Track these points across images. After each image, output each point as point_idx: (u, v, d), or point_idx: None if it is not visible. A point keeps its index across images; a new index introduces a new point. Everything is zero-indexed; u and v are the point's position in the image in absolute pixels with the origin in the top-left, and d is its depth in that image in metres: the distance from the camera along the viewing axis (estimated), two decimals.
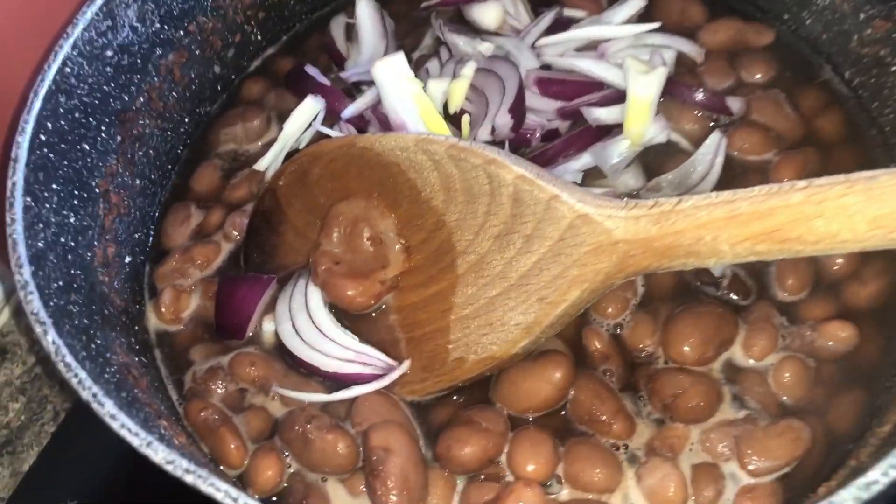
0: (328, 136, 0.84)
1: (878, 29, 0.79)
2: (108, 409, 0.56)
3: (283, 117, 0.89)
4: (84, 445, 0.95)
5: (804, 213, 0.56)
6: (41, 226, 0.69)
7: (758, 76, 0.87)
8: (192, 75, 0.90)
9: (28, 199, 0.68)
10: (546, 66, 0.88)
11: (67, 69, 0.74)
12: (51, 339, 0.59)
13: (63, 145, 0.74)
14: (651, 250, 0.63)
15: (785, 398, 0.70)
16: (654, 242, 0.62)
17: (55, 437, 0.97)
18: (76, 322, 0.66)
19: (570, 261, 0.66)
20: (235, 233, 0.84)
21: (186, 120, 0.91)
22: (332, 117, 0.88)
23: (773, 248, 0.58)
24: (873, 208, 0.54)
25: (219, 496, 0.51)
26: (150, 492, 0.86)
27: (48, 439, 0.97)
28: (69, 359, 0.58)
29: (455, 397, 0.74)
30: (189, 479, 0.52)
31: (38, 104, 0.71)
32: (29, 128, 0.70)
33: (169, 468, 0.53)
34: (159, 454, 0.54)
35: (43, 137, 0.71)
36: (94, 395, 0.57)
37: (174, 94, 0.88)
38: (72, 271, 0.71)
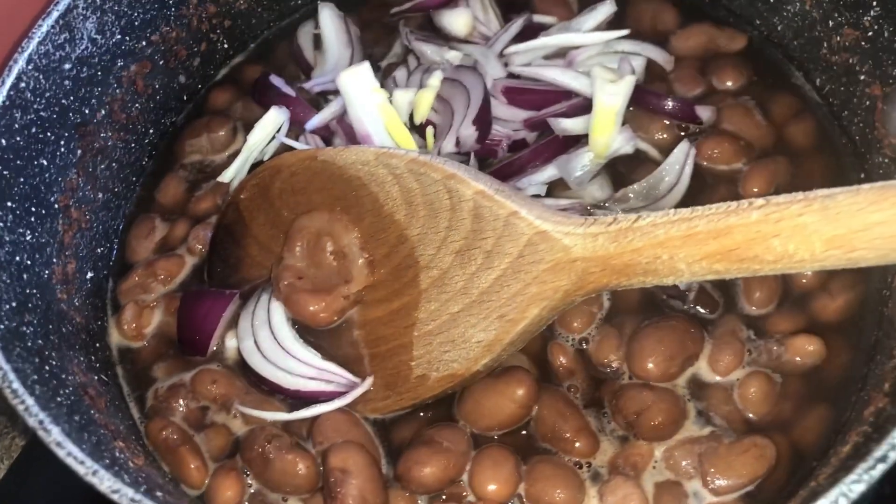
0: (292, 148, 0.83)
1: (847, 37, 0.77)
2: (55, 437, 0.55)
3: (249, 127, 0.88)
4: (56, 459, 0.94)
5: (761, 232, 0.55)
6: None
7: (729, 83, 0.86)
8: (157, 86, 0.89)
9: None
10: (513, 75, 0.87)
11: (23, 84, 0.73)
12: None
13: (18, 161, 0.73)
14: (609, 268, 0.62)
15: (751, 414, 0.69)
16: (612, 260, 0.61)
17: (26, 451, 0.96)
18: (29, 344, 0.65)
19: (530, 278, 0.65)
20: (199, 246, 0.82)
21: (151, 131, 0.90)
22: (297, 128, 0.86)
23: (730, 266, 0.57)
24: (829, 228, 0.53)
25: None
26: None
27: (19, 452, 0.96)
28: (16, 385, 0.58)
29: (420, 414, 0.73)
30: None
31: None
32: None
33: (115, 497, 0.52)
34: (104, 483, 0.53)
35: None
36: (41, 423, 0.56)
37: (137, 105, 0.87)
38: (27, 290, 0.70)
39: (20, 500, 0.93)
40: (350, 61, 0.91)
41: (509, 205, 0.65)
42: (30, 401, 0.57)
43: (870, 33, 0.75)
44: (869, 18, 0.74)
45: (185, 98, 0.93)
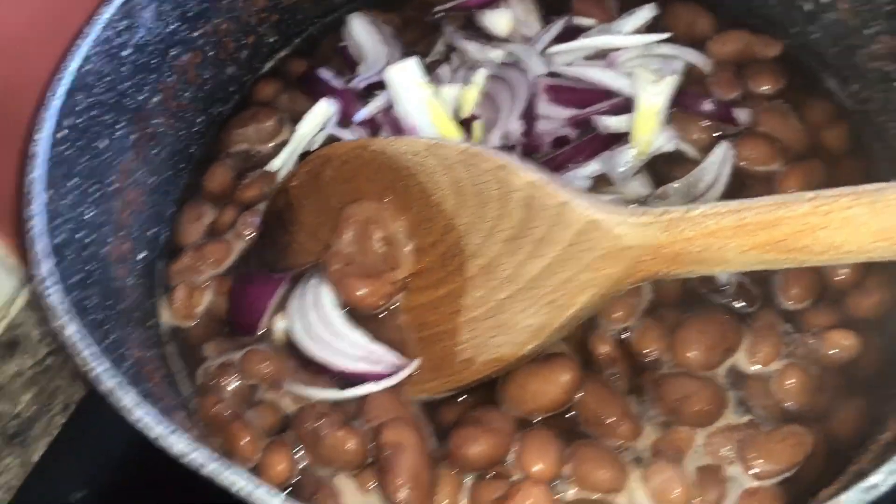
0: (340, 139, 0.86)
1: (884, 45, 0.80)
2: (126, 403, 0.57)
3: (295, 119, 0.90)
4: (94, 436, 0.96)
5: (810, 223, 0.58)
6: (59, 221, 0.70)
7: (765, 87, 0.88)
8: (206, 76, 0.91)
9: (49, 193, 0.69)
10: (555, 74, 0.89)
11: (86, 67, 0.75)
12: (69, 333, 0.60)
13: (80, 142, 0.75)
14: (660, 257, 0.64)
15: (788, 404, 0.72)
16: (664, 249, 0.63)
17: (65, 428, 0.98)
18: (93, 317, 0.67)
19: (581, 265, 0.67)
20: (247, 232, 0.85)
21: (200, 120, 0.92)
22: (344, 120, 0.89)
23: (779, 257, 0.59)
24: (878, 220, 0.56)
25: (235, 489, 0.52)
26: (159, 482, 0.87)
27: (58, 430, 0.98)
28: (87, 353, 0.60)
29: (463, 398, 0.75)
30: (206, 471, 0.53)
31: (56, 101, 0.72)
32: (47, 125, 0.71)
33: (185, 461, 0.54)
34: (176, 447, 0.55)
35: (61, 134, 0.72)
36: (112, 390, 0.58)
37: (188, 93, 0.89)
38: (88, 266, 0.72)
39: (60, 476, 0.95)
40: (388, 59, 0.93)
41: (561, 194, 0.68)
42: (101, 368, 0.59)
43: None
44: None
45: (231, 89, 0.95)
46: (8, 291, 1.01)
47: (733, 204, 0.62)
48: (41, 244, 0.65)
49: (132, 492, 0.93)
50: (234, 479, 0.53)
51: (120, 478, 0.94)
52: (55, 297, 0.62)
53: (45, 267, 0.63)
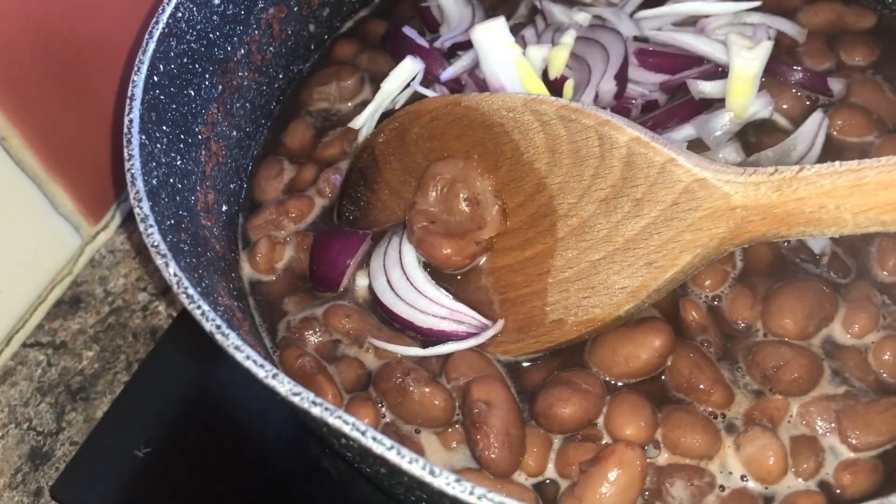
0: (425, 98, 0.85)
1: None
2: (233, 341, 0.56)
3: (375, 79, 0.89)
4: (155, 394, 0.96)
5: None
6: (154, 164, 0.69)
7: (858, 59, 0.86)
8: (289, 31, 0.90)
9: (143, 136, 0.68)
10: (643, 39, 0.88)
11: (179, 13, 0.75)
12: (172, 270, 0.60)
13: (172, 88, 0.75)
14: (770, 217, 0.62)
15: (885, 376, 0.70)
16: (775, 209, 0.62)
17: (128, 386, 0.98)
18: (188, 260, 0.66)
19: (684, 225, 0.66)
20: (328, 189, 0.84)
21: (281, 76, 0.91)
22: (428, 79, 0.88)
23: None
24: None
25: (346, 429, 0.52)
26: (216, 438, 0.89)
27: (121, 388, 0.98)
28: (191, 291, 0.59)
29: (548, 360, 0.74)
30: (316, 411, 0.53)
31: (152, 45, 0.72)
32: (144, 67, 0.71)
33: (296, 400, 0.54)
34: (285, 385, 0.54)
35: (156, 79, 0.72)
36: (218, 327, 0.57)
37: (272, 48, 0.89)
38: (180, 212, 0.71)
39: (123, 432, 0.95)
40: (473, 19, 0.92)
41: (666, 152, 0.66)
42: (205, 306, 0.58)
43: None
44: None
45: (312, 47, 0.95)
46: (73, 248, 1.02)
47: (850, 164, 0.60)
48: (140, 184, 0.64)
49: (195, 445, 0.93)
50: (344, 421, 0.52)
51: (180, 433, 0.94)
52: (156, 235, 0.62)
53: (146, 207, 0.63)
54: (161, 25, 0.73)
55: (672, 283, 0.68)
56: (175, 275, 0.60)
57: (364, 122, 0.87)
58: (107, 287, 1.04)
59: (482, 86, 0.84)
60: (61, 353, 0.99)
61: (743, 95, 0.78)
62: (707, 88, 0.81)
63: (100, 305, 1.04)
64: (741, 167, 0.65)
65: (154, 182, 0.68)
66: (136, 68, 0.71)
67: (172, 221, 0.68)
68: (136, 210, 0.63)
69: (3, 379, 0.97)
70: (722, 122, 0.78)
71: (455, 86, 0.87)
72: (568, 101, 0.71)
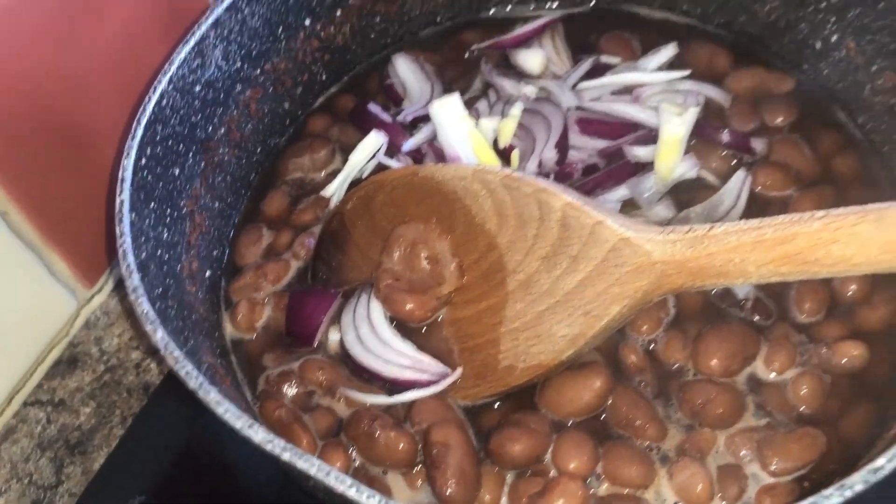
0: (389, 168, 0.93)
1: (888, 80, 0.87)
2: (214, 396, 0.64)
3: (345, 150, 0.98)
4: (149, 446, 1.03)
5: (822, 238, 0.64)
6: (143, 239, 0.77)
7: (779, 120, 0.95)
8: (266, 110, 0.99)
9: (133, 214, 0.77)
10: (585, 108, 0.97)
11: (164, 102, 0.83)
12: (160, 335, 0.68)
13: (159, 169, 0.83)
14: (686, 270, 0.71)
15: (802, 408, 0.78)
16: (689, 263, 0.70)
17: (123, 440, 1.04)
18: (174, 324, 0.74)
19: (613, 279, 0.74)
20: (303, 252, 0.92)
21: (259, 150, 1.00)
22: (392, 150, 0.97)
23: (794, 269, 0.66)
24: (883, 235, 0.62)
25: (312, 471, 0.59)
26: (207, 485, 0.96)
27: (116, 441, 1.04)
28: (177, 353, 0.67)
29: (504, 402, 0.81)
30: (286, 456, 0.60)
31: (140, 131, 0.80)
32: (133, 152, 0.79)
33: (268, 447, 0.61)
34: (259, 435, 0.62)
35: (143, 161, 0.80)
36: (201, 385, 0.65)
37: (250, 126, 0.97)
38: (166, 280, 0.79)
39: (119, 483, 1.01)
40: (432, 94, 1.01)
41: (595, 215, 0.75)
42: (189, 366, 0.66)
43: None
44: None
45: (287, 122, 1.04)
46: (69, 311, 1.08)
47: (753, 222, 0.69)
48: (130, 259, 0.73)
49: (188, 493, 1.00)
50: (311, 464, 0.60)
51: (174, 484, 1.00)
52: (145, 304, 0.70)
53: (136, 279, 0.71)
54: (148, 113, 0.82)
55: (607, 331, 0.77)
56: (162, 339, 0.68)
57: (335, 191, 0.95)
58: (102, 347, 1.11)
59: (440, 155, 0.93)
60: (60, 410, 1.05)
61: (670, 159, 0.87)
62: (641, 153, 0.90)
63: (96, 364, 1.11)
64: (660, 226, 0.73)
65: (143, 255, 0.76)
66: (125, 153, 0.79)
67: (160, 290, 0.76)
68: (127, 282, 0.71)
69: (5, 437, 1.02)
70: (650, 184, 0.87)
71: (416, 155, 0.96)
72: (511, 171, 0.80)
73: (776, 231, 0.67)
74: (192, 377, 0.65)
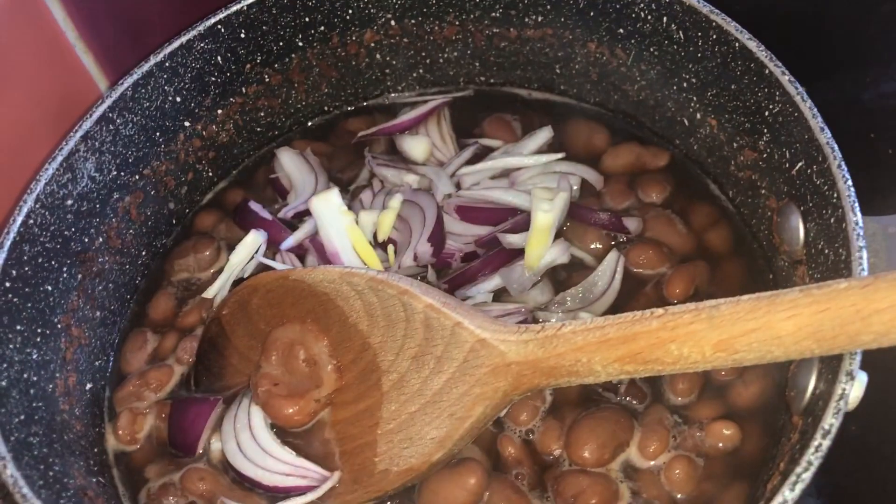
0: (270, 267, 0.94)
1: (748, 157, 0.89)
2: None
3: (232, 247, 0.98)
4: None
5: (661, 337, 0.65)
6: (5, 365, 0.77)
7: (654, 196, 0.97)
8: (148, 213, 0.99)
9: None
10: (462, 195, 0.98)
11: (31, 221, 0.83)
12: (10, 472, 0.67)
13: (27, 289, 0.82)
14: (539, 370, 0.71)
15: (677, 494, 0.78)
16: (541, 363, 0.71)
17: None
18: (35, 453, 0.74)
19: (473, 380, 0.74)
20: (187, 356, 0.92)
21: (143, 253, 1.00)
22: (274, 247, 0.97)
23: (638, 367, 0.67)
24: (715, 334, 0.63)
25: None
26: None
27: None
28: (26, 490, 0.66)
29: None
30: None
31: (2, 255, 0.80)
32: None
33: None
34: None
35: (7, 284, 0.80)
36: None
37: (132, 231, 0.97)
38: (34, 404, 0.79)
39: None
40: (316, 186, 1.02)
41: (454, 316, 0.76)
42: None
43: (764, 155, 0.86)
44: (762, 143, 0.86)
45: (174, 222, 1.04)
46: None
47: (599, 320, 0.69)
48: None
49: None
50: None
51: None
52: None
53: None
54: (12, 235, 0.81)
55: (474, 432, 0.77)
56: (12, 476, 0.67)
57: (217, 291, 0.95)
58: None
59: (322, 250, 0.94)
60: None
61: (540, 246, 0.88)
62: (515, 240, 0.91)
63: None
64: (516, 325, 0.74)
65: (3, 383, 0.75)
66: None
67: (22, 417, 0.76)
68: None
69: None
70: (520, 273, 0.88)
71: (299, 251, 0.97)
72: (375, 273, 0.81)
73: (618, 330, 0.67)
74: None
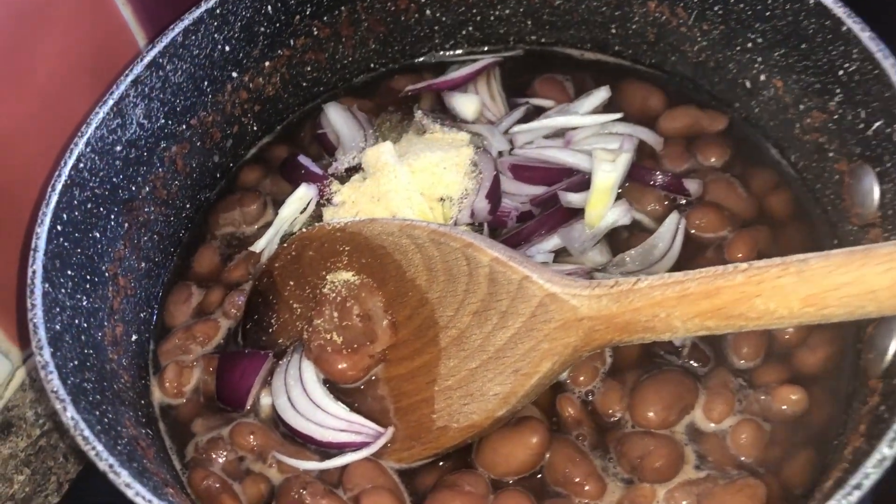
0: (320, 221, 0.91)
1: (815, 119, 0.87)
2: (124, 479, 0.61)
3: (277, 202, 0.96)
4: None
5: (746, 292, 0.63)
6: (58, 310, 0.75)
7: (712, 160, 0.95)
8: (194, 164, 0.97)
9: (46, 285, 0.74)
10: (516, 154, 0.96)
11: (81, 164, 0.81)
12: (70, 414, 0.65)
13: (76, 234, 0.80)
14: (612, 326, 0.69)
15: (743, 458, 0.76)
16: (615, 319, 0.69)
17: None
18: (90, 398, 0.72)
19: (542, 335, 0.72)
20: (234, 311, 0.90)
21: (188, 206, 0.98)
22: (323, 202, 0.95)
23: (720, 323, 0.65)
24: (805, 288, 0.61)
25: None
26: None
27: None
28: (87, 433, 0.64)
29: (440, 463, 0.79)
30: None
31: (55, 198, 0.78)
32: (47, 220, 0.77)
33: None
34: None
35: (59, 228, 0.78)
36: (111, 466, 0.62)
37: (177, 182, 0.95)
38: (85, 351, 0.77)
39: None
40: (365, 143, 0.99)
41: (522, 270, 0.73)
42: (100, 446, 0.64)
43: (835, 116, 0.84)
44: (833, 104, 0.84)
45: (218, 175, 1.01)
46: (3, 374, 1.05)
47: (677, 275, 0.67)
48: (41, 333, 0.70)
49: None
50: None
51: None
52: (55, 382, 0.67)
53: (46, 354, 0.68)
54: (63, 178, 0.79)
55: (539, 388, 0.75)
56: (73, 418, 0.65)
57: (265, 245, 0.93)
58: (38, 410, 1.08)
59: None
60: None
61: (600, 206, 0.86)
62: (574, 199, 0.89)
63: (31, 429, 1.08)
64: (587, 280, 0.72)
65: (57, 327, 0.73)
66: (39, 220, 0.77)
67: (76, 362, 0.74)
68: (38, 358, 0.69)
69: None
70: (580, 233, 0.86)
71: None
72: (437, 226, 0.79)
73: (700, 285, 0.65)
74: (102, 458, 0.63)
